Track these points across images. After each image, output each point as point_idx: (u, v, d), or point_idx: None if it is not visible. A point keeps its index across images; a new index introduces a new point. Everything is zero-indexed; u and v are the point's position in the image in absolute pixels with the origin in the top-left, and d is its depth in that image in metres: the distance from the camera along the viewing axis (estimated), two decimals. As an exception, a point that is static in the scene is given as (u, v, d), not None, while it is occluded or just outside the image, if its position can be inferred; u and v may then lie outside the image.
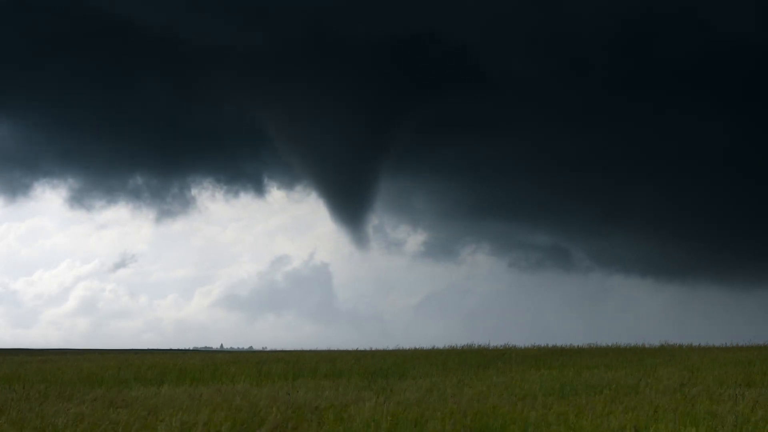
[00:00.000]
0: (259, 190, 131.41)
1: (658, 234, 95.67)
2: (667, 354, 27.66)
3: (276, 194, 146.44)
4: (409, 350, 32.56)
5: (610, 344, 33.60)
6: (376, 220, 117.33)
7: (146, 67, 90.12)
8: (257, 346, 70.23)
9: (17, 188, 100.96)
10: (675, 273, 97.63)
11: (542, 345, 33.13)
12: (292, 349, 48.97)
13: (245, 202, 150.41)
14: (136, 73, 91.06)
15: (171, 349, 57.71)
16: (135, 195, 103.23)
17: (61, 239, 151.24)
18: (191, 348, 69.94)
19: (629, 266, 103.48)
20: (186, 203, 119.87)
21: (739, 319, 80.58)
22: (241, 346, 75.25)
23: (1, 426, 11.30)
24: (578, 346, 32.91)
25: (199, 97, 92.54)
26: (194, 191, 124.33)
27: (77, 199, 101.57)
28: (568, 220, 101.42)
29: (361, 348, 35.58)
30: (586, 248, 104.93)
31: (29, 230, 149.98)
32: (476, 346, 32.86)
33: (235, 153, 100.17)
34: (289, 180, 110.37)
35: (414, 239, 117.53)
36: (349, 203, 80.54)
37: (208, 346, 79.13)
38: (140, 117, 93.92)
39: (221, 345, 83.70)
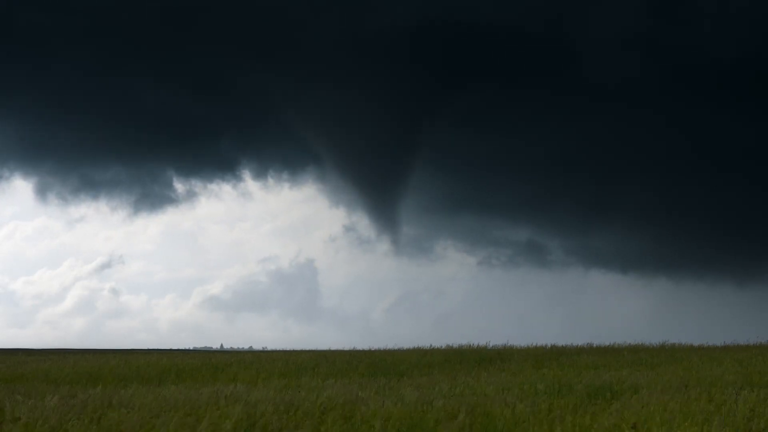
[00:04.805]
0: (255, 187, 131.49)
1: (645, 230, 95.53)
2: (666, 353, 27.73)
3: (268, 192, 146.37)
4: (408, 350, 32.61)
5: (608, 344, 33.70)
6: (349, 219, 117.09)
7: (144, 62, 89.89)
8: (257, 346, 70.29)
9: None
10: (660, 269, 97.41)
11: (540, 345, 33.22)
12: (289, 348, 49.18)
13: (238, 200, 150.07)
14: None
15: (171, 349, 57.72)
16: (129, 195, 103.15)
17: (61, 239, 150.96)
18: (191, 348, 69.94)
19: (611, 262, 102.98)
20: (186, 203, 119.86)
21: (727, 317, 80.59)
22: (241, 346, 75.27)
23: (2, 428, 11.35)
24: (577, 345, 33.02)
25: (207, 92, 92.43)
26: (196, 191, 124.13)
27: (45, 192, 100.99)
28: (549, 216, 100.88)
29: (353, 348, 35.82)
30: (565, 244, 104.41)
31: (34, 229, 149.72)
32: (475, 345, 32.94)
33: (233, 150, 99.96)
34: (279, 176, 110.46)
35: (385, 237, 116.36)
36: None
37: (207, 346, 79.15)
38: (134, 112, 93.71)
39: (221, 345, 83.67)
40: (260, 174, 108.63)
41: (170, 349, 57.87)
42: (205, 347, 76.37)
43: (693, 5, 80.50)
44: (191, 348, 70.06)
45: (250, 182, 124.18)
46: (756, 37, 79.52)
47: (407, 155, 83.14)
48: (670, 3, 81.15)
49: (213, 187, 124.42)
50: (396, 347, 34.19)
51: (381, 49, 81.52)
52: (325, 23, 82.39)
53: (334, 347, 37.89)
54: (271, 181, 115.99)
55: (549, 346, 32.61)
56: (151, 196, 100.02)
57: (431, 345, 33.16)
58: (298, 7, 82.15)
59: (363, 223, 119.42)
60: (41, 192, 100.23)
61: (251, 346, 72.33)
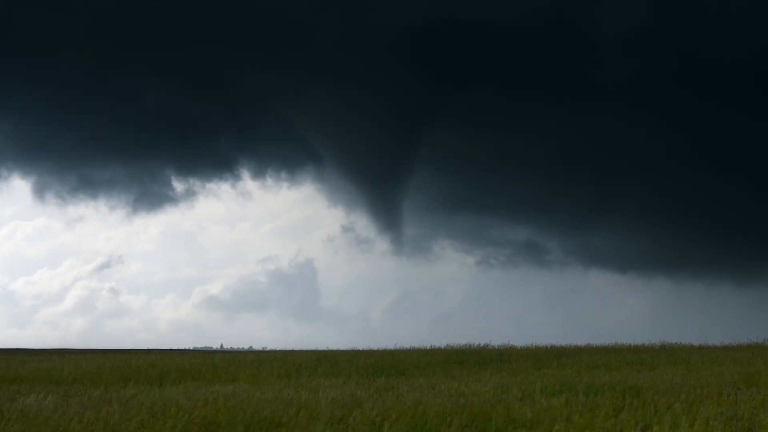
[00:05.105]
0: (254, 186, 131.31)
1: (644, 230, 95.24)
2: (666, 353, 27.74)
3: (266, 192, 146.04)
4: (408, 350, 32.64)
5: (608, 343, 33.76)
6: (347, 219, 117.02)
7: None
8: (257, 346, 70.30)
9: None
10: (659, 269, 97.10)
11: (540, 345, 33.26)
12: (288, 348, 49.23)
13: (237, 200, 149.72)
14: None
15: (171, 349, 57.72)
16: (128, 194, 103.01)
17: (61, 239, 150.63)
18: (191, 348, 69.96)
19: (610, 262, 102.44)
20: (184, 202, 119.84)
21: (726, 317, 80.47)
22: (241, 346, 75.26)
23: (3, 427, 11.35)
24: (577, 345, 33.06)
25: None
26: (195, 190, 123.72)
27: (44, 192, 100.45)
28: (547, 216, 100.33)
29: (353, 348, 35.91)
30: (564, 244, 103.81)
31: (34, 230, 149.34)
32: (475, 345, 32.98)
33: (232, 150, 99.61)
34: (278, 175, 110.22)
35: (384, 237, 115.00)
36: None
37: (208, 346, 79.14)
38: (132, 112, 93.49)
39: (221, 345, 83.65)
40: (259, 173, 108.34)
41: (170, 349, 57.90)
42: (205, 347, 76.40)
43: (693, 5, 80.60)
44: (191, 348, 70.11)
45: (248, 181, 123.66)
46: (756, 37, 79.63)
47: (407, 155, 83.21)
48: (671, 3, 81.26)
49: (212, 186, 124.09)
50: (396, 347, 34.29)
51: (381, 49, 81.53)
52: (325, 23, 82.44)
53: (333, 347, 38.03)
54: (269, 180, 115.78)
55: (549, 346, 32.65)
56: (150, 195, 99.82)
57: (431, 345, 33.25)
58: (298, 6, 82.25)
59: (361, 223, 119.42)
60: (39, 191, 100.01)
61: (251, 346, 72.32)
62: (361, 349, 35.69)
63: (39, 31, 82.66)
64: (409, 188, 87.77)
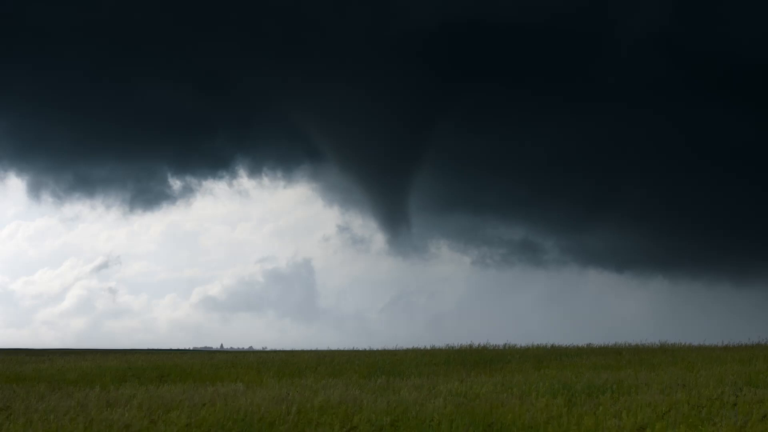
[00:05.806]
0: (251, 185, 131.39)
1: (641, 229, 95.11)
2: (666, 353, 27.72)
3: (263, 191, 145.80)
4: (408, 350, 32.60)
5: (608, 343, 33.72)
6: (343, 219, 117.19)
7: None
8: (257, 346, 70.29)
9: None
10: (656, 268, 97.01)
11: (541, 345, 33.20)
12: (287, 348, 49.28)
13: (234, 198, 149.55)
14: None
15: (170, 350, 57.70)
16: (125, 192, 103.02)
17: (62, 239, 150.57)
18: (191, 348, 69.93)
19: (607, 261, 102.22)
20: (182, 200, 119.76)
21: (724, 317, 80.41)
22: (241, 346, 75.23)
23: (4, 427, 11.33)
24: (578, 345, 33.01)
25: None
26: (192, 187, 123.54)
27: (39, 190, 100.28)
28: (544, 215, 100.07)
29: (352, 347, 35.92)
30: (560, 243, 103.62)
31: (35, 229, 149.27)
32: (476, 345, 32.92)
33: (229, 148, 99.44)
34: (274, 174, 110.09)
35: (380, 237, 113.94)
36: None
37: (208, 346, 79.12)
38: (129, 110, 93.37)
39: (221, 345, 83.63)
40: (254, 171, 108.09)
41: (170, 349, 57.88)
42: (205, 347, 76.39)
43: (695, 7, 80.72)
44: (191, 348, 70.09)
45: (245, 180, 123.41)
46: (757, 38, 79.69)
47: (407, 155, 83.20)
48: (672, 4, 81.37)
49: (208, 184, 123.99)
50: (394, 347, 34.27)
51: (381, 48, 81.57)
52: (326, 23, 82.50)
53: (331, 347, 38.06)
54: (266, 179, 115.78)
55: (549, 346, 32.59)
56: (146, 193, 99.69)
57: (432, 345, 33.21)
58: (299, 5, 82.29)
59: (357, 222, 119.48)
60: (34, 190, 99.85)
61: (251, 346, 72.31)
62: (359, 349, 35.69)
63: (37, 30, 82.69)
64: (409, 188, 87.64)
